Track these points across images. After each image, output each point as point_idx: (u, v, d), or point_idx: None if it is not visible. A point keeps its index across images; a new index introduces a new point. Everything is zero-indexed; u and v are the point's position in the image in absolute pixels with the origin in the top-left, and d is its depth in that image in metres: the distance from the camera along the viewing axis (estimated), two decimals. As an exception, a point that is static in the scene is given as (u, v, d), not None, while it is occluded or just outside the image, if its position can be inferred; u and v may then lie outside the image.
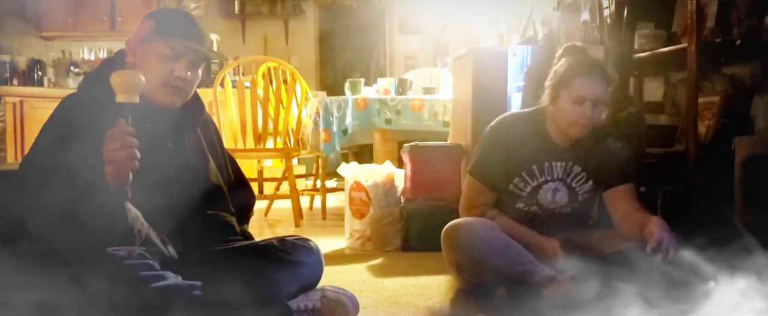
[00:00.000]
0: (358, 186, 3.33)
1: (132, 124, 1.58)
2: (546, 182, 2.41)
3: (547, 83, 2.40)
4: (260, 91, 4.16)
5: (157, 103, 1.79)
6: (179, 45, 1.78)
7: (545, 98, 2.40)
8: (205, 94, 4.13)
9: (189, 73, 1.81)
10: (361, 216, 3.32)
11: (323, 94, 6.51)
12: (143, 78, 1.59)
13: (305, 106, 4.39)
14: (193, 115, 1.93)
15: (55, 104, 1.82)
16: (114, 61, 1.84)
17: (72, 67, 6.45)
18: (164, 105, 1.80)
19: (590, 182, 2.43)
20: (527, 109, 2.55)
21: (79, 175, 1.56)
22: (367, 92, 4.58)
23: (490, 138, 2.47)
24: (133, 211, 1.54)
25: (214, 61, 5.70)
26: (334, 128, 4.21)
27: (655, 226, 2.16)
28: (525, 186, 2.42)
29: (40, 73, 6.38)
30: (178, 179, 1.77)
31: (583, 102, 2.28)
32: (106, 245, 1.62)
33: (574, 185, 2.43)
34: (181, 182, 1.78)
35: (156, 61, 1.78)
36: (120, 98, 1.57)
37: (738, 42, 2.68)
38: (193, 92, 1.88)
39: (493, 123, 2.51)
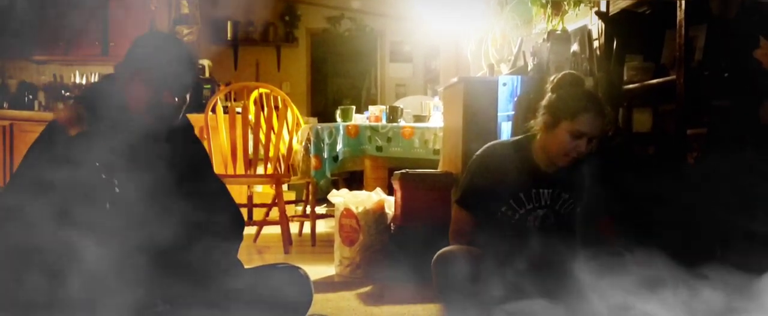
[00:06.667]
0: (348, 213, 3.33)
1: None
2: (534, 208, 2.42)
3: (544, 108, 2.38)
4: (251, 117, 4.17)
5: (146, 122, 1.81)
6: (166, 72, 1.80)
7: (538, 122, 2.39)
8: (197, 120, 4.15)
9: (176, 99, 1.83)
10: (351, 243, 3.30)
11: (314, 120, 6.52)
12: None
13: (296, 132, 4.39)
14: (182, 138, 1.94)
15: (45, 128, 1.83)
16: (102, 87, 1.86)
17: (63, 91, 6.44)
18: (153, 125, 1.83)
19: (578, 208, 2.44)
20: (512, 138, 2.55)
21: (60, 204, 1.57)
22: (359, 119, 4.59)
23: (476, 167, 2.48)
24: None
25: (205, 87, 5.72)
26: (325, 155, 4.21)
27: None
28: (513, 214, 2.42)
29: (30, 96, 6.36)
30: (168, 200, 1.77)
31: (581, 136, 2.29)
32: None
33: (562, 212, 2.43)
34: (169, 203, 1.77)
35: (143, 86, 1.80)
36: None
37: (726, 75, 2.70)
38: (181, 116, 1.90)
39: (479, 152, 2.51)
